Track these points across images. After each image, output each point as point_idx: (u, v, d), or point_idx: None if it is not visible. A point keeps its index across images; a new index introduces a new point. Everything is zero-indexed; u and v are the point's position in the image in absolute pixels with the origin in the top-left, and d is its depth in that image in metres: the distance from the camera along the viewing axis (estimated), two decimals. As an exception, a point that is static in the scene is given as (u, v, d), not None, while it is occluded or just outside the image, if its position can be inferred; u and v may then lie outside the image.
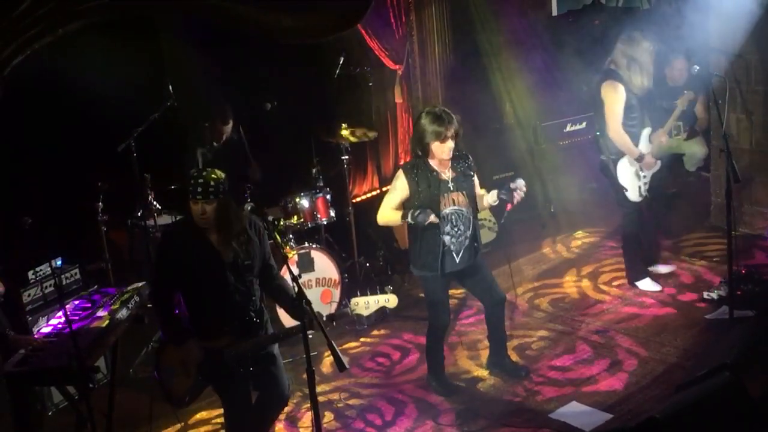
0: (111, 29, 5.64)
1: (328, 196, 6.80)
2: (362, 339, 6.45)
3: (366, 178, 8.68)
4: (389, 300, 4.88)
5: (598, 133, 6.45)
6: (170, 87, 6.48)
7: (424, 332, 5.64)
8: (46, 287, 5.75)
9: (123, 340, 5.17)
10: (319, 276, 6.53)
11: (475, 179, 5.40)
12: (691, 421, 3.97)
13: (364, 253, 7.25)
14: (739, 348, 4.57)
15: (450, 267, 5.29)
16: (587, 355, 5.85)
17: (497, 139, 8.32)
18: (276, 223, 6.57)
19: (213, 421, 5.52)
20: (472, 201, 5.33)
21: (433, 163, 5.23)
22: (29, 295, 5.67)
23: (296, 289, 4.20)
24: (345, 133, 7.05)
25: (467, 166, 5.33)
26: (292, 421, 5.45)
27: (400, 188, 5.24)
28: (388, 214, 5.30)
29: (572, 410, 5.24)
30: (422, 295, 5.70)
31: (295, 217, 6.69)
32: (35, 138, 6.47)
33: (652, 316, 6.25)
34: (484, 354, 5.86)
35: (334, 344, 4.12)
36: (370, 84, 7.65)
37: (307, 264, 6.47)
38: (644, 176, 6.39)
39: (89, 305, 4.93)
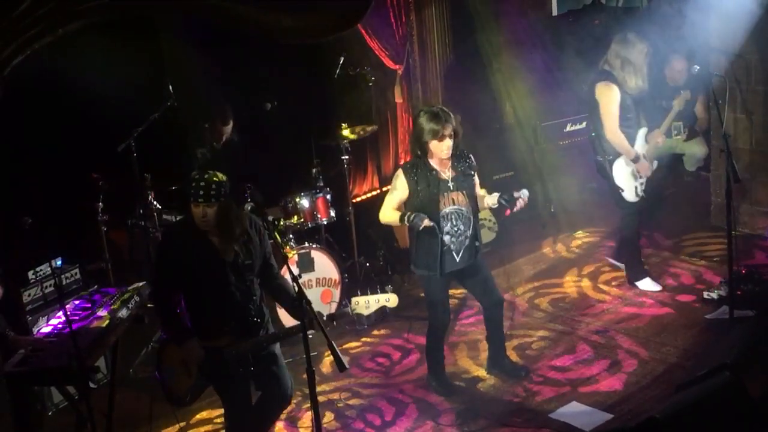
0: (111, 29, 5.63)
1: (328, 196, 6.80)
2: (363, 339, 6.45)
3: (366, 178, 8.68)
4: (390, 300, 4.88)
5: (593, 134, 6.45)
6: (170, 87, 6.48)
7: (424, 332, 5.64)
8: (46, 287, 5.76)
9: (123, 340, 5.17)
10: (319, 276, 6.53)
11: (476, 179, 5.40)
12: (691, 421, 3.97)
13: (364, 253, 7.25)
14: (739, 348, 4.57)
15: (450, 266, 5.29)
16: (587, 355, 5.85)
17: (497, 139, 8.32)
18: (276, 223, 6.57)
19: (215, 421, 5.52)
20: (473, 200, 5.33)
21: (433, 162, 5.23)
22: (29, 295, 5.68)
23: (296, 289, 4.21)
24: (345, 132, 7.05)
25: (468, 166, 5.33)
26: (292, 421, 5.45)
27: (399, 188, 5.25)
28: (388, 214, 5.31)
29: (572, 410, 5.25)
30: (422, 294, 5.70)
31: (295, 217, 6.69)
32: (35, 138, 6.46)
33: (652, 316, 6.25)
34: (484, 354, 5.85)
35: (334, 344, 4.13)
36: (370, 84, 7.65)
37: (307, 264, 6.47)
38: (641, 177, 6.39)
39: (89, 305, 4.92)
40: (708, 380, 4.20)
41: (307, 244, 6.56)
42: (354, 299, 4.85)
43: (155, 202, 6.47)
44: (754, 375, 4.24)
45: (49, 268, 5.73)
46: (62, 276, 5.81)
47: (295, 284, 4.22)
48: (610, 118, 6.20)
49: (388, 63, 8.19)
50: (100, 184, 6.31)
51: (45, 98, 6.41)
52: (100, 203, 6.32)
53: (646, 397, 5.27)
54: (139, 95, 6.67)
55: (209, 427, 5.52)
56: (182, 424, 5.45)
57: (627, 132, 6.26)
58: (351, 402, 5.63)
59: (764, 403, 4.11)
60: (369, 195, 8.59)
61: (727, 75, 7.04)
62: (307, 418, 5.43)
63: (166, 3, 5.25)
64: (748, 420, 4.03)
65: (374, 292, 4.91)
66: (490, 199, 5.37)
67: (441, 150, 5.16)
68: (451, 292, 5.70)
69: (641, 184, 6.38)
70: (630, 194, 6.38)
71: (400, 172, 5.28)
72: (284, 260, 4.73)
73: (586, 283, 6.94)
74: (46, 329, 4.74)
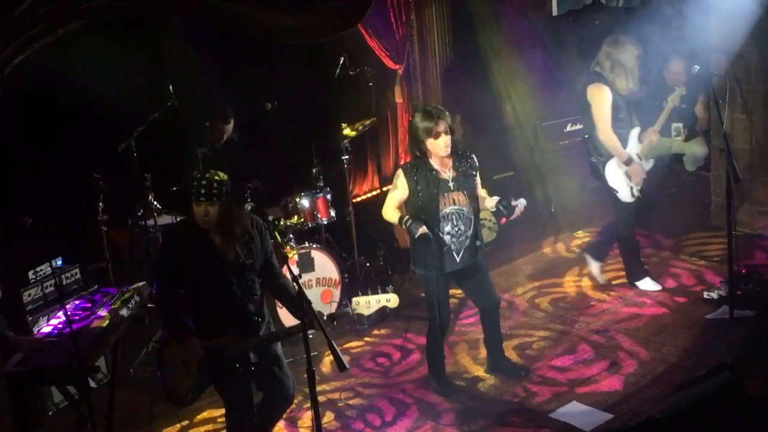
0: (111, 29, 5.63)
1: (329, 196, 6.80)
2: (365, 339, 6.45)
3: (366, 177, 8.68)
4: (390, 300, 4.88)
5: (586, 136, 6.45)
6: (170, 87, 6.48)
7: (425, 332, 5.64)
8: (46, 287, 5.76)
9: (123, 340, 5.17)
10: (319, 276, 6.54)
11: (478, 179, 5.40)
12: (691, 421, 3.96)
13: (364, 252, 7.25)
14: (739, 348, 4.58)
15: (450, 266, 5.29)
16: (587, 355, 5.85)
17: (497, 139, 8.32)
18: (276, 223, 6.57)
19: (217, 420, 5.51)
20: (474, 200, 5.33)
21: (434, 162, 5.23)
22: (29, 295, 5.68)
23: (297, 289, 4.21)
24: (346, 131, 7.05)
25: (469, 166, 5.33)
26: (293, 420, 5.46)
27: (400, 187, 5.25)
28: (389, 213, 5.32)
29: (572, 410, 5.25)
30: (423, 294, 5.70)
31: (296, 217, 6.69)
32: (35, 138, 6.47)
33: (652, 316, 6.25)
34: (485, 353, 5.85)
35: (335, 344, 4.13)
36: (370, 84, 7.65)
37: (307, 264, 6.47)
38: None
39: (89, 305, 4.93)
40: (708, 380, 4.20)
41: (307, 244, 6.56)
42: (355, 299, 4.86)
43: (155, 202, 6.47)
44: (754, 375, 4.24)
45: (49, 268, 5.73)
46: (62, 276, 5.81)
47: (295, 284, 4.23)
48: (602, 119, 6.20)
49: (388, 63, 8.19)
50: (100, 184, 6.31)
51: (45, 98, 6.41)
52: (100, 203, 6.33)
53: (646, 397, 5.27)
54: (139, 95, 6.67)
55: (210, 426, 5.52)
56: (184, 423, 5.45)
57: (619, 133, 6.26)
58: (351, 402, 5.63)
59: (764, 403, 4.10)
60: (369, 195, 8.59)
61: (727, 75, 7.04)
62: (307, 418, 5.43)
63: (166, 3, 5.25)
64: (748, 420, 4.03)
65: (375, 292, 4.91)
66: (489, 203, 5.37)
67: (439, 147, 5.15)
68: (451, 292, 5.70)
69: (637, 184, 6.37)
70: (625, 195, 6.37)
71: (400, 172, 5.28)
72: (284, 260, 4.74)
73: (586, 283, 6.93)
74: (47, 329, 4.74)
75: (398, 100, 8.41)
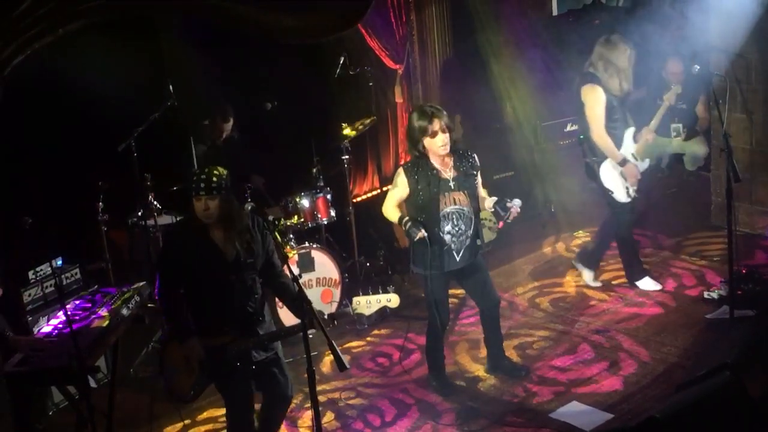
0: (111, 29, 5.63)
1: (329, 196, 6.80)
2: (366, 338, 6.45)
3: (366, 177, 8.69)
4: (391, 300, 4.88)
5: (581, 137, 6.44)
6: (170, 87, 6.48)
7: (425, 332, 5.64)
8: (46, 287, 5.76)
9: (123, 340, 5.17)
10: (319, 276, 6.54)
11: (479, 179, 5.40)
12: (691, 421, 3.96)
13: (364, 252, 7.25)
14: (739, 348, 4.57)
15: (450, 266, 5.29)
16: (587, 355, 5.85)
17: (497, 139, 8.32)
18: (276, 222, 6.57)
19: (219, 420, 5.51)
20: (474, 200, 5.32)
21: (434, 161, 5.23)
22: (29, 295, 5.68)
23: (297, 289, 4.21)
24: (346, 131, 7.05)
25: (470, 166, 5.32)
26: (293, 420, 5.46)
27: (400, 185, 5.25)
28: (389, 211, 5.32)
29: (572, 410, 5.25)
30: (423, 294, 5.70)
31: (296, 217, 6.69)
32: (35, 138, 6.47)
33: (652, 316, 6.25)
34: (485, 353, 5.85)
35: (335, 344, 4.13)
36: (370, 84, 7.65)
37: (307, 264, 6.47)
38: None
39: (89, 305, 4.93)
40: (708, 380, 4.20)
41: (307, 244, 6.56)
42: (355, 299, 4.86)
43: (155, 202, 6.47)
44: (754, 375, 4.23)
45: (49, 268, 5.74)
46: (62, 276, 5.82)
47: (295, 284, 4.23)
48: (596, 120, 6.20)
49: (388, 63, 8.19)
50: (100, 184, 6.31)
51: (45, 98, 6.41)
52: (100, 203, 6.33)
53: (646, 397, 5.27)
54: (139, 95, 6.67)
55: (211, 426, 5.52)
56: (187, 421, 5.46)
57: (614, 134, 6.26)
58: (351, 402, 5.63)
59: (764, 403, 4.10)
60: (369, 195, 8.59)
61: (728, 74, 7.04)
62: (307, 418, 5.43)
63: (166, 3, 5.25)
64: (748, 420, 4.03)
65: (375, 292, 4.92)
66: (488, 203, 5.37)
67: (436, 146, 5.15)
68: (451, 292, 5.70)
69: (632, 184, 6.36)
70: (621, 195, 6.36)
71: (401, 170, 5.28)
72: (284, 260, 4.74)
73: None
74: (47, 329, 4.74)
75: (398, 100, 8.41)
